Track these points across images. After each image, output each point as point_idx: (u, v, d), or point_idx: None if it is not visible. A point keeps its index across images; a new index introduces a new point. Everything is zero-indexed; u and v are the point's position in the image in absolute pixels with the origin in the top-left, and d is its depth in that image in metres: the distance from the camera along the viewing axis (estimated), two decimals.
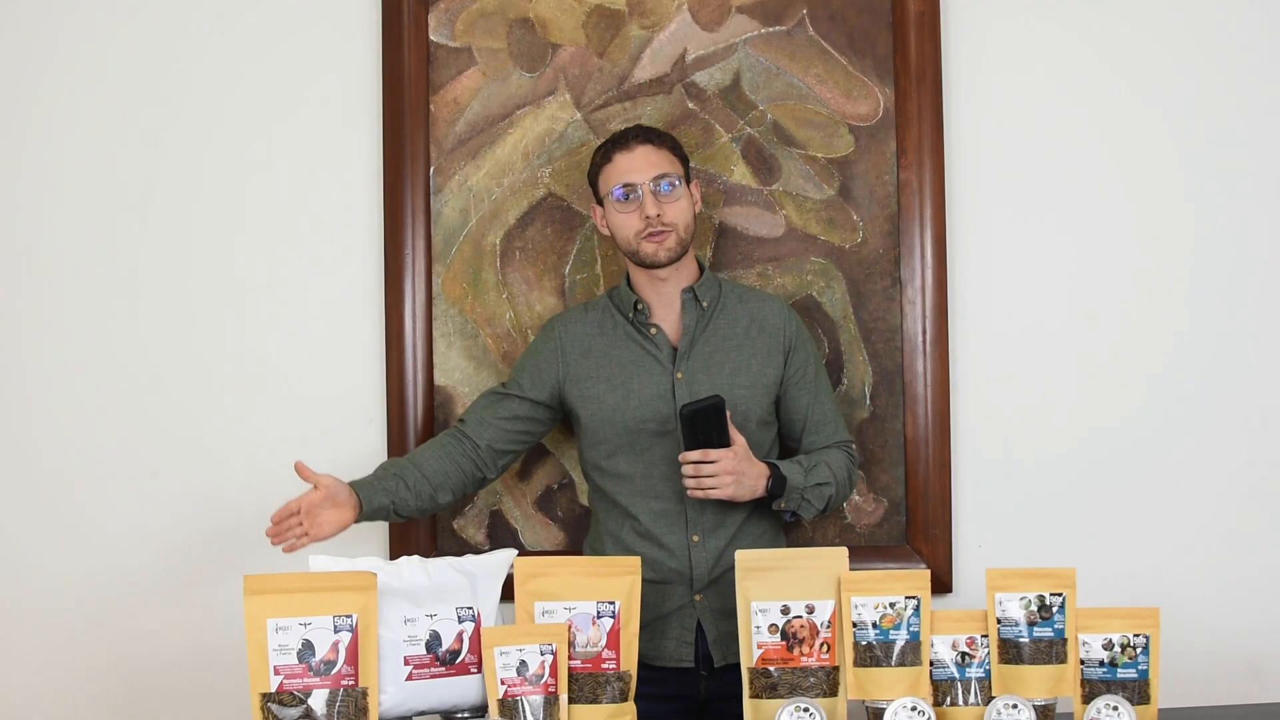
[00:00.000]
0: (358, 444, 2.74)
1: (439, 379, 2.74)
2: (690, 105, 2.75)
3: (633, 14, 2.76)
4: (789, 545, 2.62)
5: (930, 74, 2.72)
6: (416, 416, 2.72)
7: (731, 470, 2.33)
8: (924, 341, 2.72)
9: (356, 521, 2.37)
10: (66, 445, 2.76)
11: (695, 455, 2.32)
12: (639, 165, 2.42)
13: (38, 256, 2.78)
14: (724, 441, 2.33)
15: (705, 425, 2.31)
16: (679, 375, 2.45)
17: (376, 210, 2.76)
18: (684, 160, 2.49)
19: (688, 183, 2.47)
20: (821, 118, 2.75)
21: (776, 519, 2.50)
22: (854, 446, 2.58)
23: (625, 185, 2.42)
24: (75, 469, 2.76)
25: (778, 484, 2.39)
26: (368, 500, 2.37)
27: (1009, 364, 2.76)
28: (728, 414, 2.34)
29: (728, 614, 2.42)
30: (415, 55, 2.74)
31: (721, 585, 2.43)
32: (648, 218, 2.40)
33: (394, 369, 2.73)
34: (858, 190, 2.74)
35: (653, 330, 2.48)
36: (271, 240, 2.77)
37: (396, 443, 2.71)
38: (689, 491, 2.35)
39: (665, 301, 2.49)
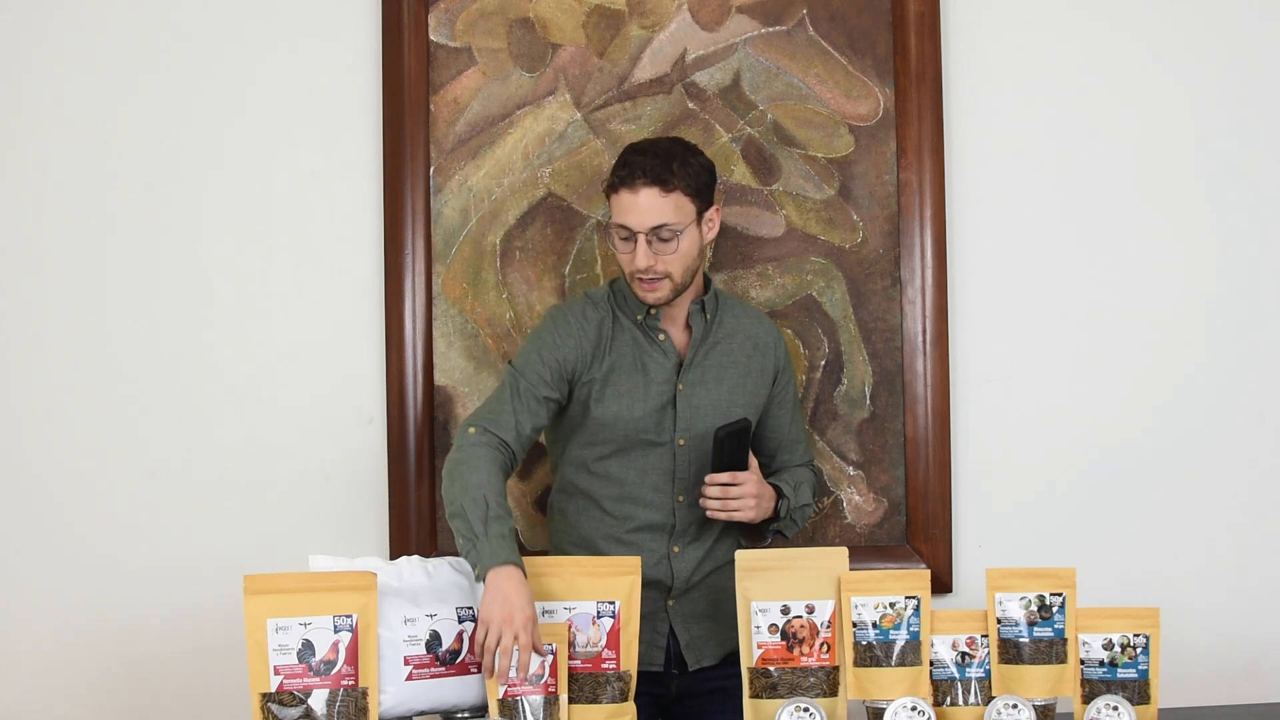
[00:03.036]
0: (358, 444, 2.74)
1: (439, 379, 2.74)
2: (690, 105, 2.75)
3: (633, 14, 2.76)
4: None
5: (930, 74, 2.72)
6: (416, 416, 2.72)
7: (755, 494, 2.32)
8: (924, 341, 2.72)
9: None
10: (66, 445, 2.76)
11: (725, 477, 2.30)
12: (641, 211, 2.29)
13: (39, 256, 2.77)
14: (743, 464, 2.32)
15: (734, 448, 2.30)
16: (680, 387, 2.40)
17: (376, 210, 2.76)
18: (698, 193, 2.33)
19: (700, 217, 2.34)
20: (821, 118, 2.75)
21: (740, 526, 2.46)
22: (817, 465, 2.62)
23: (624, 228, 2.32)
24: (75, 469, 2.76)
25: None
26: (519, 556, 2.17)
27: (1009, 364, 2.76)
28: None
29: (699, 618, 2.42)
30: (415, 55, 2.74)
31: (694, 591, 2.42)
32: (639, 268, 2.31)
33: (394, 369, 2.72)
34: (858, 190, 2.74)
35: (661, 337, 2.41)
36: (272, 240, 2.77)
37: (396, 443, 2.71)
38: (710, 513, 2.31)
39: (669, 309, 2.42)
